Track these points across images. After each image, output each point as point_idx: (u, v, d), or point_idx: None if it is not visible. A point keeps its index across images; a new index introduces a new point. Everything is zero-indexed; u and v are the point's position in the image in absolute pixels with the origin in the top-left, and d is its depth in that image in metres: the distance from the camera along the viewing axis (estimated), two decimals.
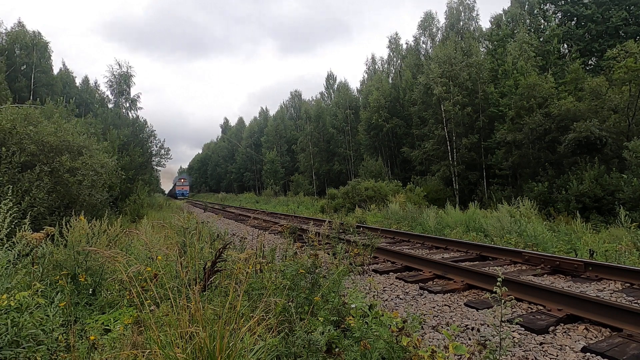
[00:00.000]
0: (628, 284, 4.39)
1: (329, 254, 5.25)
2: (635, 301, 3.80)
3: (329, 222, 6.38)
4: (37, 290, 2.45)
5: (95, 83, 40.62)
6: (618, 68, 16.07)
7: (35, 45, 30.55)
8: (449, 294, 4.27)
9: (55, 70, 35.08)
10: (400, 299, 4.17)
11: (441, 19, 34.48)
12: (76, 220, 3.83)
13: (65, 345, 2.27)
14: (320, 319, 2.55)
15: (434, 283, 4.74)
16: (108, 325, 2.73)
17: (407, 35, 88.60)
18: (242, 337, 1.94)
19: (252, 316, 2.18)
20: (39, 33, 31.62)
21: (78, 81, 39.27)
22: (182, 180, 63.17)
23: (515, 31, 24.78)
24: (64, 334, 2.36)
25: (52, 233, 3.31)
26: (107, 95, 28.19)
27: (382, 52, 75.77)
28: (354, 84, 70.33)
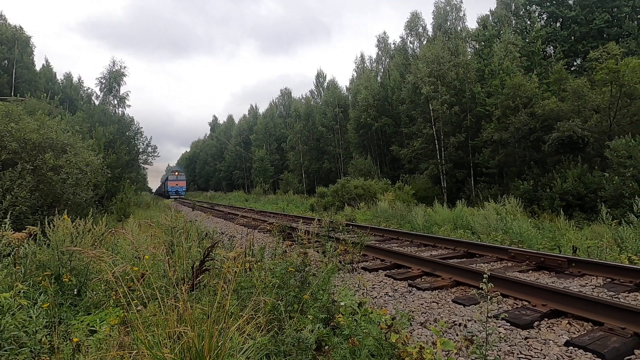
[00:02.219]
0: (609, 279, 4.51)
1: (318, 252, 5.25)
2: (616, 296, 3.92)
3: (319, 220, 6.38)
4: (20, 292, 2.39)
5: (79, 80, 39.74)
6: (600, 69, 16.47)
7: (17, 40, 29.70)
8: (437, 291, 4.32)
9: (38, 67, 34.17)
10: (389, 296, 4.21)
11: (428, 19, 34.80)
12: (60, 219, 3.75)
13: (49, 347, 2.22)
14: (309, 317, 2.56)
15: (423, 280, 4.79)
16: (94, 326, 2.68)
17: (393, 35, 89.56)
18: (231, 337, 1.93)
19: (242, 315, 2.17)
20: (21, 28, 30.77)
21: (60, 78, 38.36)
22: (176, 174, 48.52)
23: (501, 32, 25.15)
24: (47, 336, 2.31)
25: (35, 233, 3.24)
26: (96, 92, 27.54)
27: (369, 51, 76.33)
28: (344, 83, 70.52)
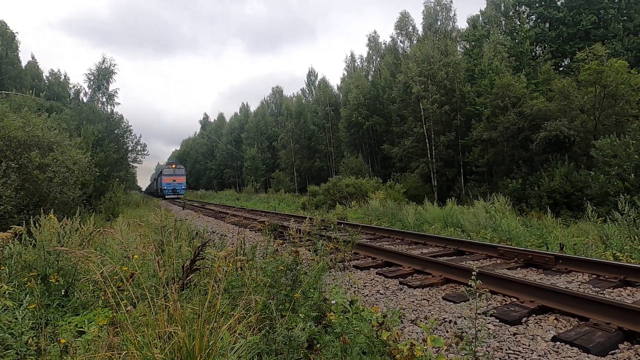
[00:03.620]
0: (594, 276, 4.61)
1: (310, 251, 5.25)
2: (601, 292, 4.00)
3: (310, 219, 6.38)
4: (4, 293, 2.34)
5: (66, 76, 38.92)
6: (584, 70, 16.80)
7: (2, 35, 28.98)
8: (427, 289, 4.36)
9: (23, 64, 33.35)
10: (381, 294, 4.23)
11: (419, 19, 35.12)
12: (46, 218, 3.67)
13: (36, 349, 2.18)
14: (301, 315, 2.56)
15: (413, 278, 4.83)
16: (82, 327, 2.64)
17: (383, 35, 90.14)
18: (222, 336, 1.92)
19: (233, 314, 2.16)
20: (5, 23, 30.02)
21: (46, 75, 37.53)
22: (173, 167, 38.29)
23: (490, 32, 25.46)
24: (34, 337, 2.27)
25: (20, 232, 3.17)
26: (84, 89, 26.96)
27: (359, 51, 76.94)
28: (335, 82, 70.58)
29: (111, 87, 26.37)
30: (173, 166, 38.42)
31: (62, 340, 2.21)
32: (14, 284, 2.96)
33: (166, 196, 35.22)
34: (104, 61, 25.79)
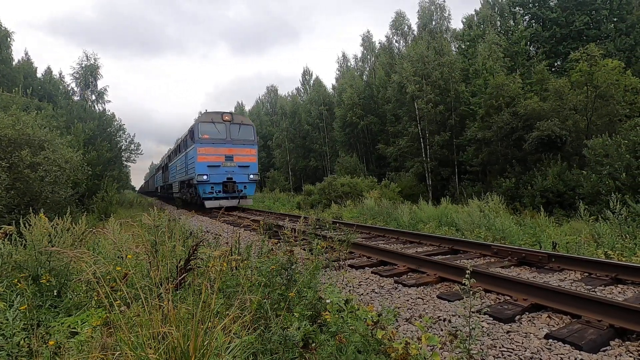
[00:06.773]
0: (587, 274, 4.66)
1: (305, 250, 5.25)
2: (593, 289, 4.05)
3: (305, 218, 6.38)
4: None
5: (60, 74, 38.44)
6: (574, 72, 16.99)
7: None
8: (422, 287, 4.38)
9: (14, 63, 32.88)
10: (376, 292, 4.24)
11: (414, 19, 35.24)
12: (36, 218, 3.62)
13: (28, 350, 2.16)
14: (296, 314, 2.55)
15: (408, 277, 4.84)
16: (75, 328, 2.61)
17: (377, 35, 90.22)
18: (217, 336, 1.91)
19: (228, 314, 2.15)
20: None
21: (41, 73, 37.03)
22: (226, 119, 14.49)
23: (485, 32, 25.61)
24: (26, 339, 2.24)
25: (11, 232, 3.13)
26: (72, 88, 26.61)
27: (351, 50, 77.31)
28: (329, 81, 70.63)
29: (99, 84, 26.07)
30: (226, 118, 15.23)
31: (51, 342, 2.18)
32: (4, 284, 2.92)
33: (205, 201, 14.76)
34: (87, 58, 25.43)
